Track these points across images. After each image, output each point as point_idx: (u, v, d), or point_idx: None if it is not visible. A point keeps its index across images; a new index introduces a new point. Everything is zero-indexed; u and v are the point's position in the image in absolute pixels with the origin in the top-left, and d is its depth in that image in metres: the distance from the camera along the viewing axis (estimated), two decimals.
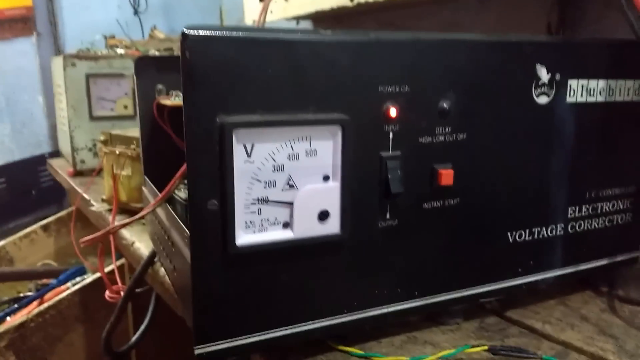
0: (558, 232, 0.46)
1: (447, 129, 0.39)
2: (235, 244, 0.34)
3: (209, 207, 0.33)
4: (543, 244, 0.45)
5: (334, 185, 0.36)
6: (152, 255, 0.61)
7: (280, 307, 0.36)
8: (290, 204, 0.35)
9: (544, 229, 0.45)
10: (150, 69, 0.58)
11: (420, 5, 0.78)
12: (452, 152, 0.39)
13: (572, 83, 0.42)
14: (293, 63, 0.33)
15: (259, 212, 0.34)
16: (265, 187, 0.34)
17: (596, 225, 0.48)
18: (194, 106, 0.31)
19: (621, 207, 0.49)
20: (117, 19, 1.57)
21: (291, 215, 0.35)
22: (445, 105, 0.38)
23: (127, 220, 0.50)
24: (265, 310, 0.36)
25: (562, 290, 0.51)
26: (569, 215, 0.46)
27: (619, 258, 0.50)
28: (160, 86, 0.59)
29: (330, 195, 0.36)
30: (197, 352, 0.35)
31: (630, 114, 0.46)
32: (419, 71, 0.37)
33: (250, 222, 0.34)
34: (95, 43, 1.26)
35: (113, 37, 1.26)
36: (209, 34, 0.31)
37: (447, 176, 0.39)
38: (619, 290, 0.51)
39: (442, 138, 0.39)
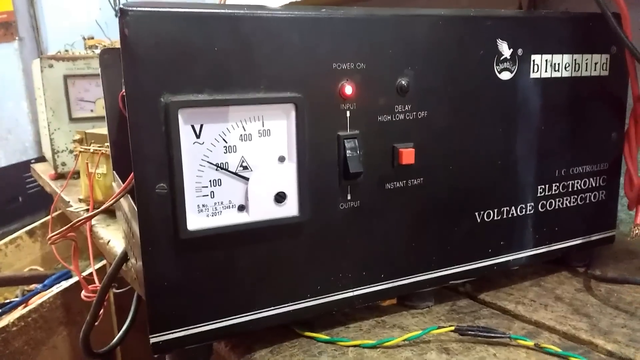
0: (528, 212, 0.45)
1: (406, 107, 0.38)
2: (186, 228, 0.33)
3: (158, 191, 0.32)
4: (513, 224, 0.45)
5: (290, 166, 0.35)
6: (125, 252, 0.60)
7: (239, 293, 0.36)
8: (245, 186, 0.34)
9: (513, 208, 0.44)
10: (116, 61, 0.57)
11: None
12: (413, 130, 0.38)
13: (535, 58, 0.42)
14: (241, 39, 0.32)
15: (212, 195, 0.33)
16: (217, 170, 0.33)
17: (568, 204, 0.47)
18: (136, 86, 0.30)
19: (594, 185, 0.48)
20: (98, 20, 1.56)
21: (246, 198, 0.34)
22: (403, 82, 0.37)
23: (91, 213, 0.49)
24: (224, 297, 0.35)
25: (538, 272, 0.50)
26: (538, 194, 0.45)
27: (594, 237, 0.50)
28: None
29: (286, 177, 0.35)
30: (152, 340, 0.34)
31: (598, 89, 0.46)
32: (374, 48, 0.36)
33: (203, 205, 0.33)
34: (75, 45, 1.25)
35: (92, 38, 1.24)
36: (149, 10, 0.30)
37: (407, 155, 0.38)
38: (595, 270, 0.50)
39: (401, 116, 0.38)
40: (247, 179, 0.34)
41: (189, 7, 0.31)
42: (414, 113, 0.38)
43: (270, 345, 0.38)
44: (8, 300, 1.12)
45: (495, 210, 0.43)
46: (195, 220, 0.33)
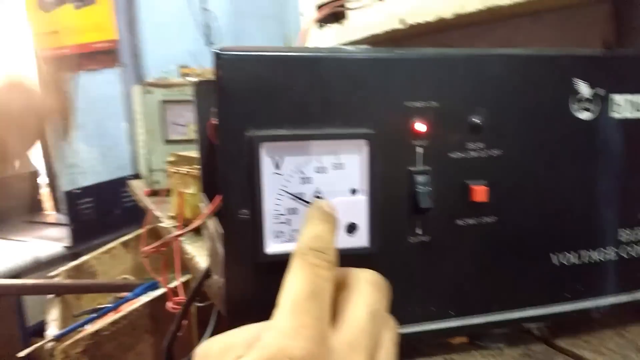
0: (610, 256, 0.43)
1: (479, 145, 0.38)
2: (264, 252, 0.35)
3: (241, 217, 0.35)
4: (593, 269, 0.43)
5: (362, 198, 0.37)
6: (208, 269, 0.65)
7: None
8: None
9: (592, 252, 0.43)
10: (208, 92, 0.62)
11: (473, 25, 0.77)
12: (486, 168, 0.39)
13: (617, 98, 0.41)
14: (319, 79, 0.35)
15: (289, 222, 0.36)
16: (294, 199, 0.35)
17: None
18: (225, 121, 0.34)
19: None
20: (191, 49, 1.68)
21: None
22: (476, 120, 0.38)
23: (182, 231, 0.54)
24: None
25: (621, 320, 0.47)
26: (620, 238, 0.43)
27: None
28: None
29: (358, 208, 0.37)
30: None
31: None
32: (447, 87, 0.37)
33: (280, 232, 0.36)
34: (170, 72, 1.35)
35: (186, 66, 1.35)
36: (239, 54, 0.33)
37: (479, 192, 0.38)
38: None
39: (474, 154, 0.38)
40: None
41: (274, 50, 0.34)
42: (487, 151, 0.39)
43: None
44: (102, 306, 1.21)
45: (574, 254, 0.42)
46: (273, 245, 0.35)
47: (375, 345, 0.30)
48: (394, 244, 0.38)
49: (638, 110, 0.41)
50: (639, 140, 0.42)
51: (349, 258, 0.37)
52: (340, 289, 0.32)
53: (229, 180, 0.34)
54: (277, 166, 0.35)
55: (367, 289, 0.31)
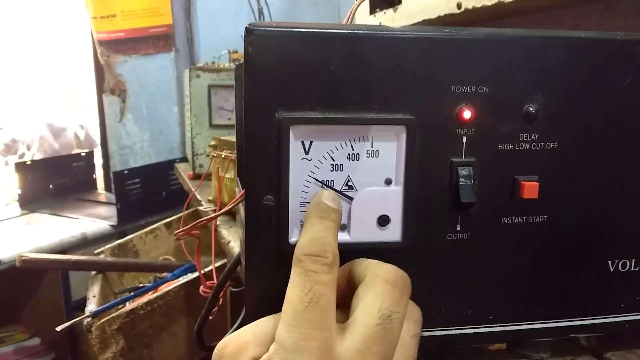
0: None
1: (533, 136, 0.35)
2: (288, 241, 0.33)
3: (265, 203, 0.33)
4: None
5: (397, 189, 0.34)
6: (239, 255, 0.63)
7: None
8: (348, 205, 0.34)
9: None
10: None
11: (537, 12, 0.72)
12: (538, 162, 0.35)
13: None
14: (356, 59, 0.32)
15: None
16: (322, 187, 0.33)
17: None
18: (253, 101, 0.32)
19: None
20: (243, 35, 1.68)
21: (349, 218, 0.34)
22: (531, 109, 0.34)
23: (213, 215, 0.52)
24: None
25: None
26: None
27: None
28: None
29: (391, 200, 0.34)
30: None
31: None
32: (500, 71, 0.33)
33: None
34: (221, 57, 1.35)
35: (236, 51, 1.34)
36: (271, 30, 0.31)
37: (530, 188, 0.34)
38: None
39: (526, 146, 0.35)
40: (351, 198, 0.33)
41: (309, 27, 0.31)
42: (542, 143, 0.35)
43: None
44: (142, 285, 1.24)
45: (634, 261, 0.38)
46: (297, 235, 0.33)
47: (390, 350, 0.28)
48: (430, 240, 0.35)
49: None
50: None
51: (379, 253, 0.34)
52: (357, 283, 0.31)
53: (255, 164, 0.32)
54: (306, 151, 0.32)
55: (382, 288, 0.30)
